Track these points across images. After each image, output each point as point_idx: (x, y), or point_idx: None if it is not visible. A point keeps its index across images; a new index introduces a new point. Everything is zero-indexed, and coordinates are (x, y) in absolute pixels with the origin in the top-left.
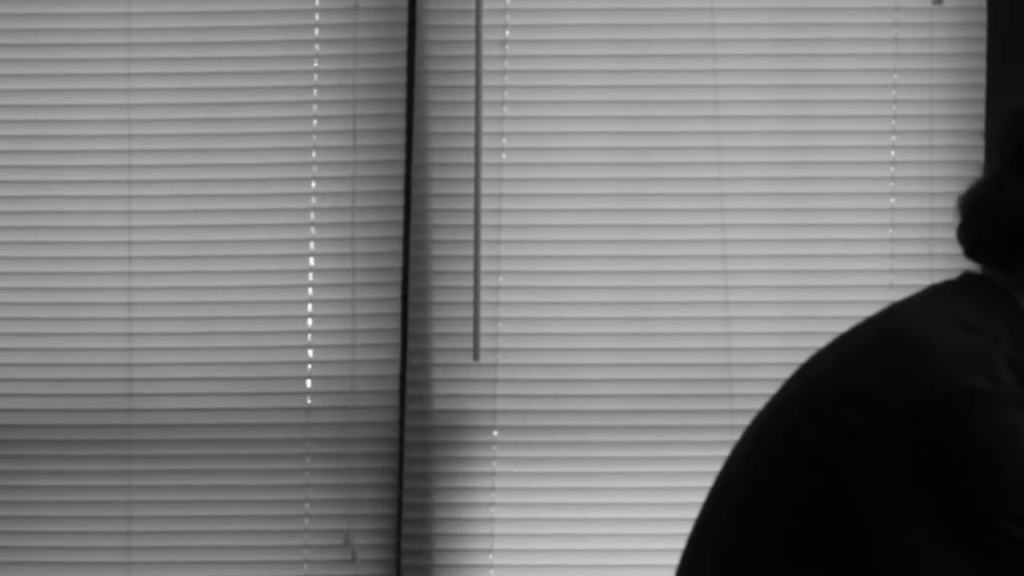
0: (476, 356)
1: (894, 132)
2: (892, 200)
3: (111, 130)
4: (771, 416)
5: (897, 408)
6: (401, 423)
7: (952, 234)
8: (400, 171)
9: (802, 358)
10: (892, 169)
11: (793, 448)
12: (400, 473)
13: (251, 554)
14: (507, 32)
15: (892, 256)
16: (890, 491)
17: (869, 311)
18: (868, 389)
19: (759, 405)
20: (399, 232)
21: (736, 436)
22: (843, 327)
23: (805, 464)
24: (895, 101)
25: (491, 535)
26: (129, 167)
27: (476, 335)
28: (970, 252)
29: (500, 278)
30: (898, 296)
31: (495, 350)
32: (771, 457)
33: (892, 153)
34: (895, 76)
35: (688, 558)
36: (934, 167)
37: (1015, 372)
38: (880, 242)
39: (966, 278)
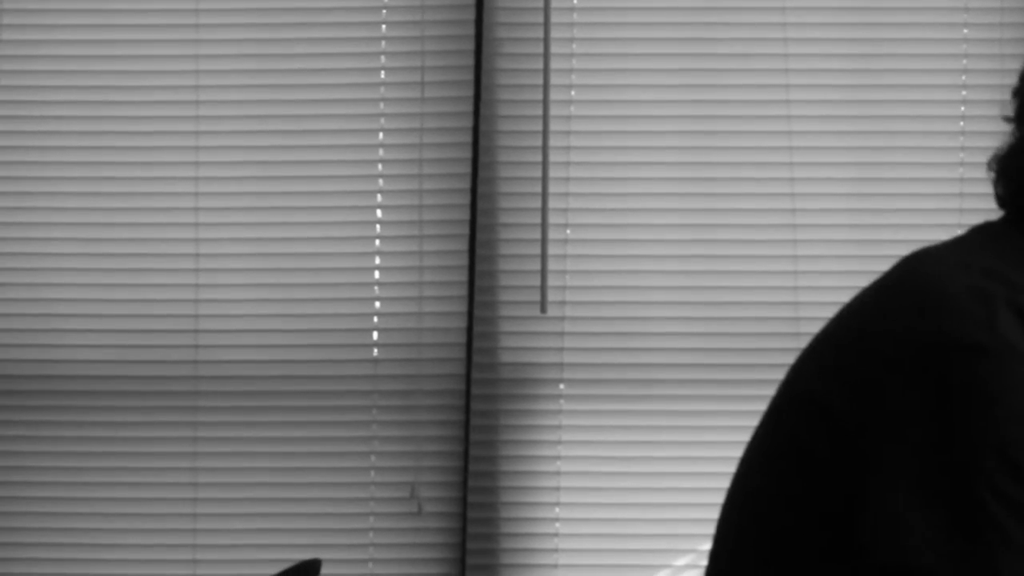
0: (543, 308)
1: (964, 87)
2: (961, 155)
3: (179, 81)
4: (789, 373)
5: (897, 359)
6: (468, 376)
7: None
8: (468, 123)
9: None
10: (962, 124)
11: (801, 402)
12: (466, 426)
13: (317, 506)
14: None
15: (960, 212)
16: (881, 448)
17: None
18: (873, 338)
19: None
20: (467, 184)
21: None
22: None
23: (814, 417)
24: (966, 55)
25: (557, 488)
26: (196, 118)
27: (543, 287)
28: (1002, 204)
29: (568, 231)
30: None
31: (562, 303)
32: (782, 420)
33: (962, 108)
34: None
35: (719, 526)
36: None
37: None
38: (949, 196)
39: (1001, 223)
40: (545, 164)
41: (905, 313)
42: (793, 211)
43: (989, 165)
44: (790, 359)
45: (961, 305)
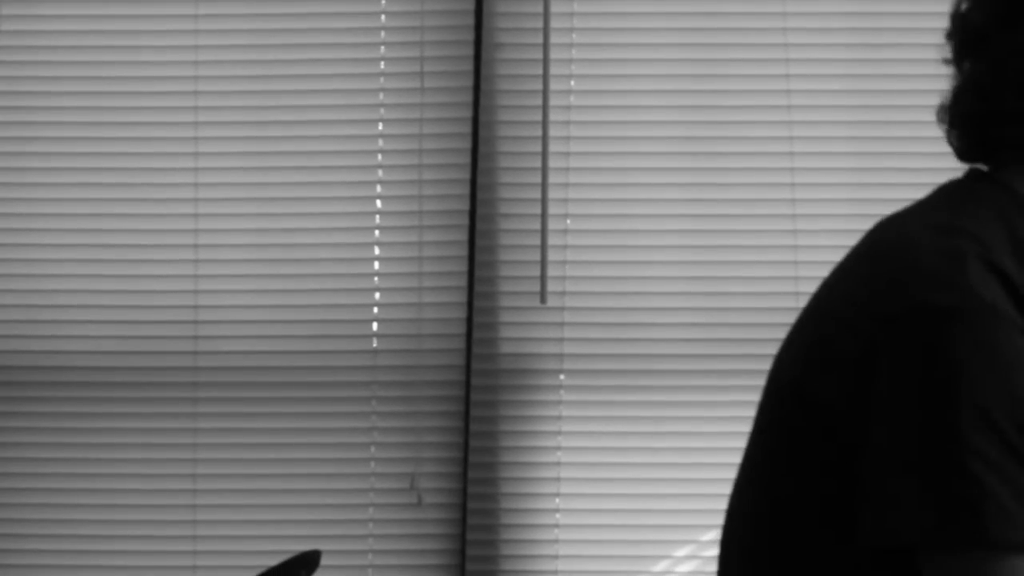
0: (543, 300)
1: None
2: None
3: (178, 71)
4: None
5: (865, 329)
6: (467, 367)
7: None
8: (468, 113)
9: None
10: None
11: (789, 391)
12: (466, 417)
13: (317, 497)
14: None
15: None
16: (868, 429)
17: None
18: (849, 318)
19: None
20: (466, 175)
21: None
22: None
23: (804, 406)
24: None
25: (557, 479)
26: (196, 108)
27: (543, 279)
28: (961, 156)
29: (568, 222)
30: None
31: (562, 294)
32: (774, 409)
33: None
34: None
35: (726, 520)
36: None
37: (1001, 279)
38: None
39: (966, 179)
40: (545, 156)
41: (877, 288)
42: (793, 201)
43: (938, 116)
44: None
45: (930, 268)
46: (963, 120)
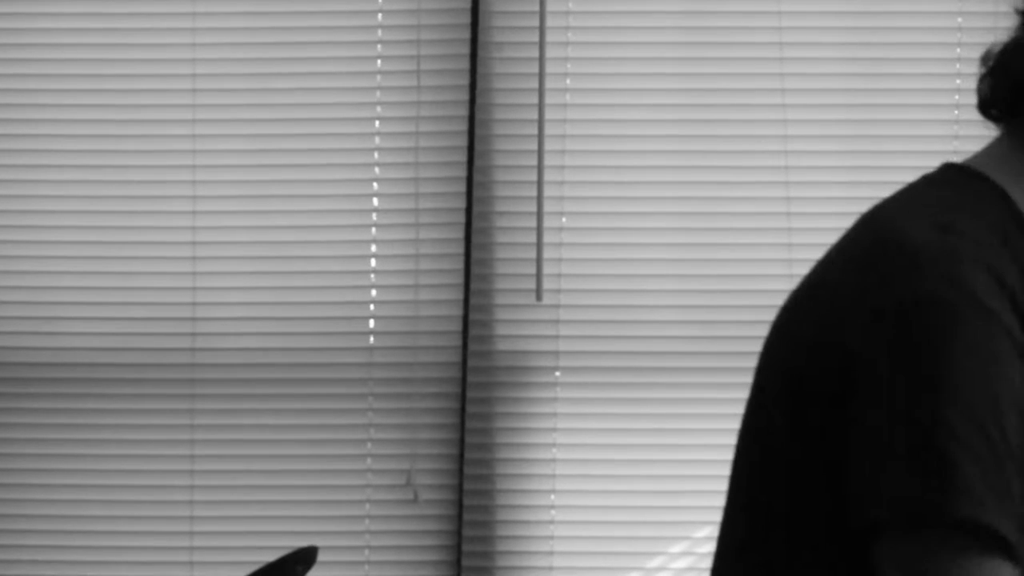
0: (539, 297)
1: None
2: (955, 143)
3: (176, 69)
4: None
5: (860, 322)
6: (464, 364)
7: None
8: (464, 111)
9: None
10: (956, 112)
11: (778, 378)
12: (462, 414)
13: (314, 494)
14: None
15: None
16: (855, 415)
17: None
18: (840, 307)
19: None
20: (462, 172)
21: None
22: None
23: (793, 393)
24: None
25: (553, 475)
26: (193, 106)
27: (539, 275)
28: (984, 106)
29: (563, 219)
30: None
31: (558, 291)
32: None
33: (956, 97)
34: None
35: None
36: None
37: (997, 282)
38: None
39: (953, 171)
40: (541, 154)
41: (872, 282)
42: (788, 199)
43: (982, 58)
44: None
45: (926, 265)
46: (1003, 72)
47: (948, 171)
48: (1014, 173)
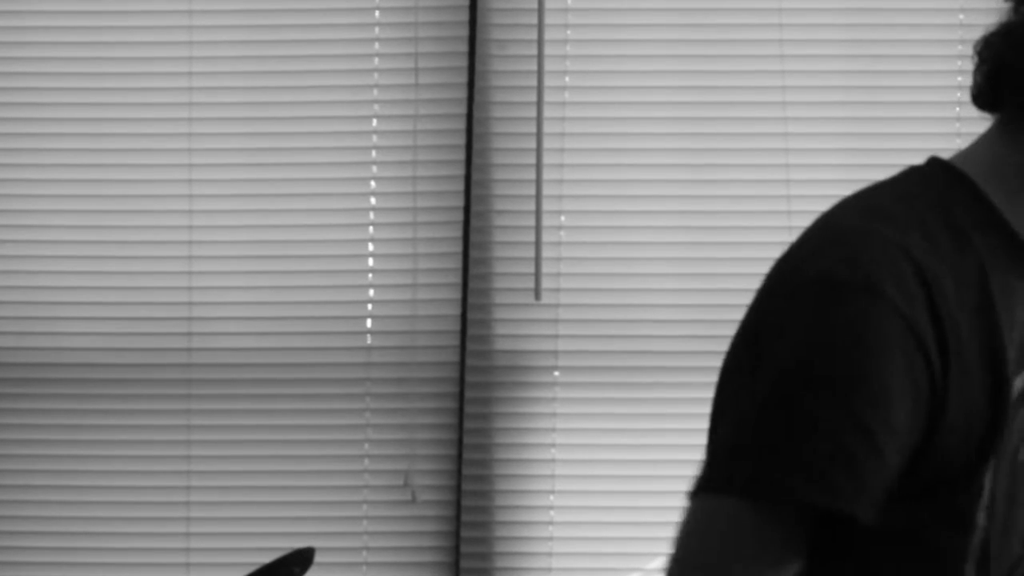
0: (537, 296)
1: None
2: (958, 141)
3: (173, 67)
4: None
5: (758, 302)
6: (462, 363)
7: None
8: (462, 109)
9: None
10: (957, 109)
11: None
12: (460, 414)
13: (311, 494)
14: None
15: None
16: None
17: None
18: (765, 278)
19: None
20: (461, 171)
21: None
22: None
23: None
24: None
25: (552, 476)
26: (190, 104)
27: (538, 274)
28: (978, 96)
29: (562, 217)
30: None
31: (557, 290)
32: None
33: (958, 94)
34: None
35: None
36: None
37: (911, 266)
38: None
39: (931, 165)
40: (539, 152)
41: (784, 259)
42: (788, 197)
43: (975, 47)
44: None
45: (829, 242)
46: (991, 61)
47: (930, 165)
48: (993, 166)
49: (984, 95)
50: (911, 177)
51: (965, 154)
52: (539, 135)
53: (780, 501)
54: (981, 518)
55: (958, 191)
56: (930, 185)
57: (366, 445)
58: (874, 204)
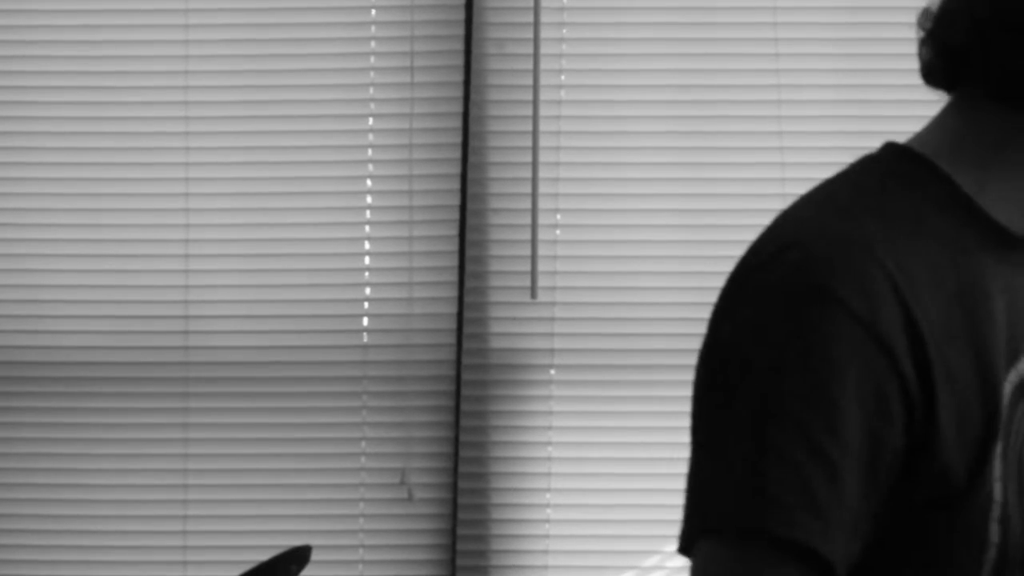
0: (534, 294)
1: None
2: None
3: (168, 66)
4: None
5: (718, 305)
6: (458, 361)
7: None
8: (458, 108)
9: None
10: None
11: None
12: (457, 412)
13: (308, 492)
14: None
15: None
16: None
17: None
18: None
19: None
20: (456, 169)
21: None
22: None
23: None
24: None
25: (548, 474)
26: (186, 103)
27: (534, 273)
28: (928, 73)
29: (558, 216)
30: None
31: (553, 288)
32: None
33: None
34: None
35: None
36: None
37: (877, 267)
38: None
39: (888, 153)
40: (535, 149)
41: (739, 261)
42: (783, 196)
43: (919, 21)
44: None
45: (781, 248)
46: (941, 38)
47: (885, 150)
48: (952, 145)
49: (936, 73)
50: (866, 165)
51: (921, 136)
52: (535, 134)
53: (749, 538)
54: (995, 532)
55: (918, 173)
56: (888, 171)
57: (362, 443)
58: (828, 199)
